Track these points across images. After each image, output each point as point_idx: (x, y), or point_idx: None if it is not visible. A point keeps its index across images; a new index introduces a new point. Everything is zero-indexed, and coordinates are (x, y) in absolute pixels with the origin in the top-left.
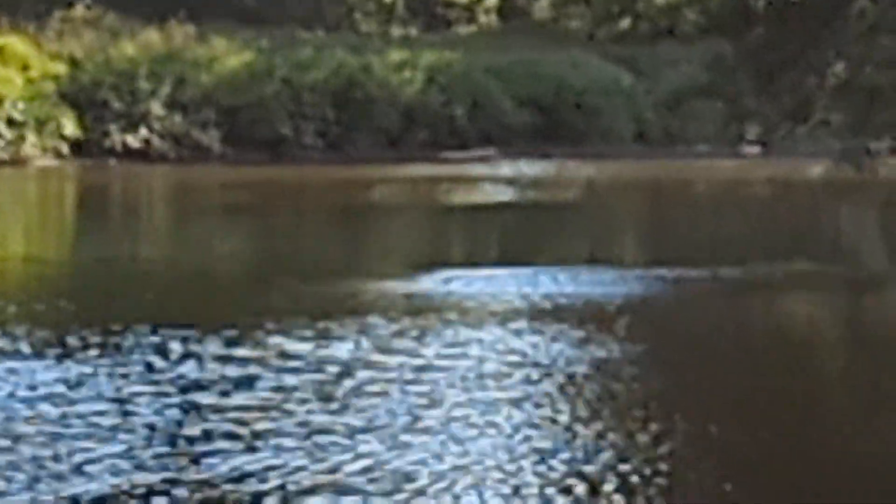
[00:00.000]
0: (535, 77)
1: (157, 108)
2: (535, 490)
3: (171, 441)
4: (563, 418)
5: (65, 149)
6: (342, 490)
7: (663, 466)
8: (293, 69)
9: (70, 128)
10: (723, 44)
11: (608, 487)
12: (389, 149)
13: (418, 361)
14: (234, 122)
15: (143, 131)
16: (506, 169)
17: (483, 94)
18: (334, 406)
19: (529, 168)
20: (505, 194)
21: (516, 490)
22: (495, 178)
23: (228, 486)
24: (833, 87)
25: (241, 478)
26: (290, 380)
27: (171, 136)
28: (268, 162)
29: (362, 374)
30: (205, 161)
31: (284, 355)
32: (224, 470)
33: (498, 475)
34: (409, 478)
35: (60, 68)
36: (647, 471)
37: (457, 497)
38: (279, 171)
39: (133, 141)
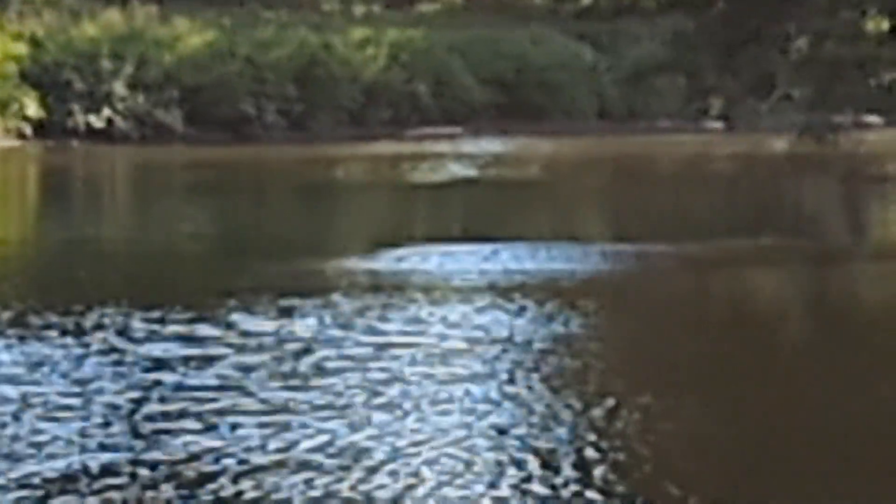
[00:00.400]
0: (497, 54)
1: (119, 88)
2: (493, 466)
3: (132, 420)
4: (524, 394)
5: (27, 130)
6: (299, 467)
7: (622, 442)
8: (255, 48)
9: (32, 108)
10: (685, 20)
11: (566, 463)
12: (352, 127)
13: (380, 339)
14: (196, 102)
15: (106, 112)
16: (468, 146)
17: (446, 72)
18: (295, 384)
19: (492, 145)
20: (468, 171)
21: (474, 466)
22: (458, 156)
23: (188, 465)
24: (795, 62)
25: (200, 456)
26: (250, 358)
27: (133, 117)
28: (230, 141)
29: (323, 352)
30: (168, 141)
31: (246, 334)
32: (184, 449)
33: (457, 451)
34: (367, 454)
35: (22, 49)
36: (606, 446)
37: (415, 473)
38: (242, 150)
39: (96, 121)
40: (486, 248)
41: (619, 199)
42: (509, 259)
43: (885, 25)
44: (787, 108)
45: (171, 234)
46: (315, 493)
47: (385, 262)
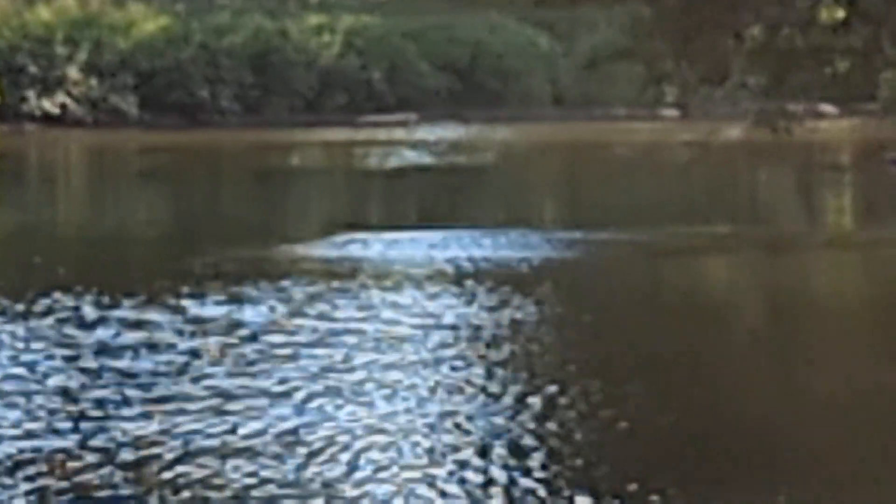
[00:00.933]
0: (452, 41)
1: (74, 73)
2: (432, 452)
3: (78, 405)
4: (470, 380)
5: None
6: (238, 452)
7: (563, 429)
8: (210, 34)
9: None
10: (641, 6)
11: (505, 449)
12: (307, 113)
13: (331, 325)
14: (151, 87)
15: (61, 96)
16: (423, 133)
17: (401, 58)
18: (243, 370)
19: (447, 132)
20: (422, 158)
21: (414, 451)
22: (413, 142)
23: (130, 449)
24: (750, 50)
25: (143, 441)
26: (200, 344)
27: (88, 101)
28: (185, 126)
29: (272, 338)
30: (122, 126)
31: (197, 320)
32: (126, 433)
33: (397, 437)
34: (307, 440)
35: None
36: (545, 432)
37: (353, 459)
38: (196, 135)
39: (50, 106)
40: (439, 234)
41: (573, 186)
42: (462, 246)
43: (840, 14)
44: (742, 96)
45: (125, 219)
46: (252, 479)
47: (337, 248)
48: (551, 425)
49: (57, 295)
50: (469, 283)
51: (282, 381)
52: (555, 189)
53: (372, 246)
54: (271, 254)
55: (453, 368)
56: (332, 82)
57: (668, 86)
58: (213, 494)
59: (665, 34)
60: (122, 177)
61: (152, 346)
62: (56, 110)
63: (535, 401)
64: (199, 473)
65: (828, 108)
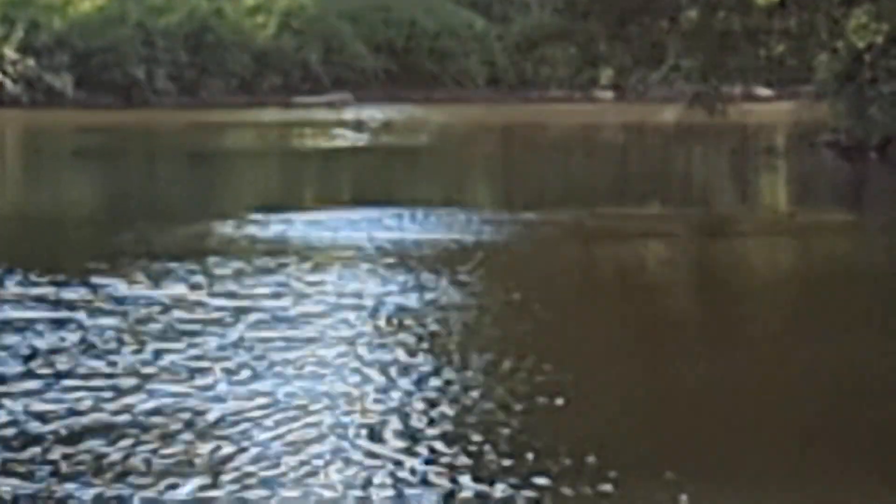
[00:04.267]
0: (388, 21)
1: (9, 52)
2: (327, 432)
3: None
4: (379, 358)
5: None
6: (129, 430)
7: (464, 411)
8: (146, 13)
9: None
10: None
11: (400, 430)
12: (242, 93)
13: (244, 303)
14: (87, 67)
15: None
16: (358, 113)
17: (336, 39)
18: (146, 347)
19: (382, 112)
20: (357, 139)
21: (311, 431)
22: (348, 123)
23: (14, 428)
24: (685, 32)
25: (30, 419)
26: (109, 321)
27: (24, 81)
28: (121, 106)
29: (183, 315)
30: (58, 105)
31: (112, 298)
32: (11, 413)
33: (296, 416)
34: (202, 418)
35: None
36: (439, 415)
37: (247, 437)
38: (132, 114)
39: None
40: (373, 214)
41: (507, 167)
42: (389, 226)
43: None
44: (677, 79)
45: (55, 198)
46: (140, 457)
47: (265, 227)
48: (453, 406)
49: None
50: (392, 263)
51: (185, 359)
52: (488, 170)
53: (299, 226)
54: (198, 233)
55: (357, 346)
56: (267, 63)
57: (603, 68)
58: (101, 472)
59: (600, 16)
60: (56, 156)
61: (61, 323)
62: None
63: (443, 381)
64: (86, 453)
65: (763, 90)
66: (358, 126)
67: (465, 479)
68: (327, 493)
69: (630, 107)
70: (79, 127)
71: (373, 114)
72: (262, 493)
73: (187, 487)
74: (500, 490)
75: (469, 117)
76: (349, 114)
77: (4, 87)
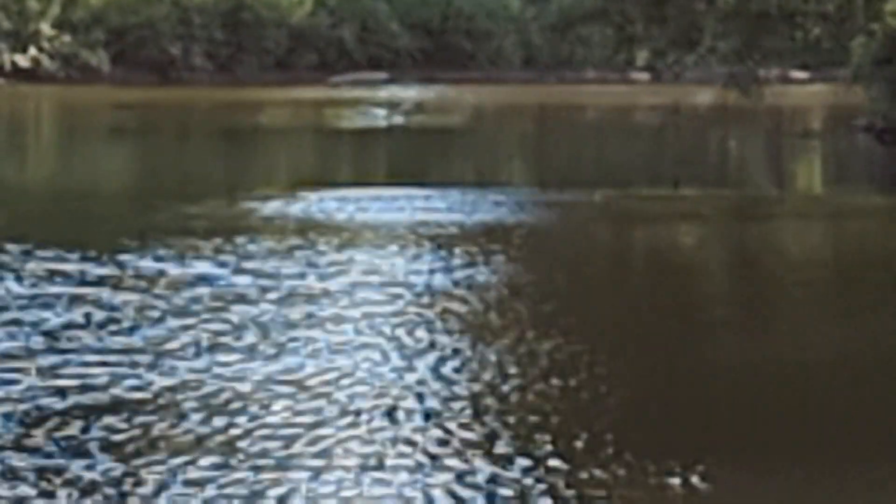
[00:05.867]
0: (424, 1)
1: (46, 28)
2: (337, 411)
3: None
4: (404, 336)
5: None
6: (143, 406)
7: (501, 391)
8: None
9: None
10: None
11: (416, 411)
12: (278, 71)
13: (269, 281)
14: (123, 43)
15: (32, 51)
16: (393, 92)
17: (372, 18)
18: (166, 324)
19: (417, 92)
20: (391, 118)
21: (323, 411)
22: (382, 102)
23: (35, 403)
24: (722, 14)
25: (52, 394)
26: (132, 297)
27: (60, 57)
28: (156, 83)
29: (206, 292)
30: (94, 81)
31: (138, 274)
32: (35, 386)
33: (315, 393)
34: (218, 395)
35: None
36: (469, 392)
37: (253, 418)
38: (167, 92)
39: (22, 60)
40: (402, 193)
41: (541, 147)
42: (422, 205)
43: None
44: (713, 61)
45: (90, 174)
46: (153, 434)
47: (296, 205)
48: (492, 386)
49: (5, 246)
50: (422, 242)
51: (204, 336)
52: (522, 150)
53: (330, 204)
54: (229, 210)
55: (379, 325)
56: (303, 41)
57: (639, 49)
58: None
59: None
60: (91, 132)
61: (83, 299)
62: (28, 65)
63: (451, 359)
64: (84, 431)
65: (799, 73)
66: (392, 105)
67: (479, 461)
68: (341, 473)
69: (665, 88)
70: (114, 103)
71: (408, 93)
72: (275, 470)
73: (199, 464)
74: (513, 472)
75: (504, 98)
76: (384, 93)
77: (41, 63)
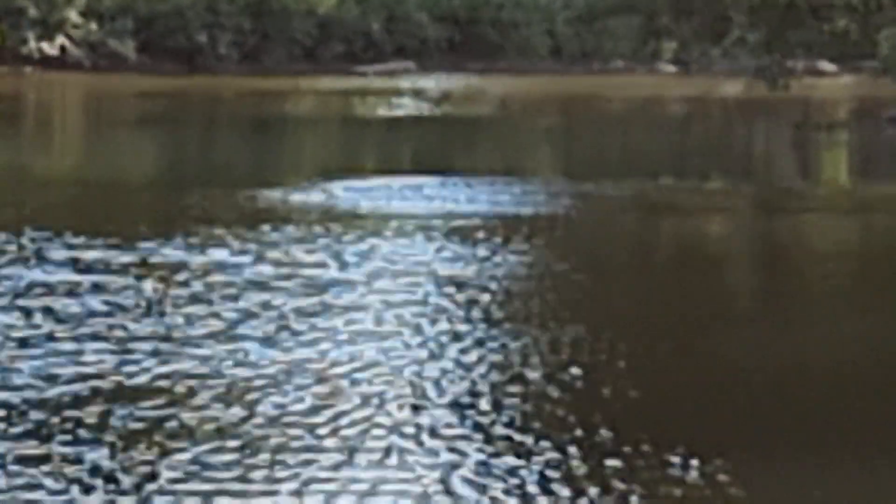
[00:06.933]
0: None
1: (73, 16)
2: (366, 398)
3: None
4: (420, 327)
5: None
6: (153, 394)
7: (533, 381)
8: None
9: None
10: None
11: (422, 398)
12: (305, 61)
13: (289, 269)
14: (150, 32)
15: (60, 39)
16: (420, 83)
17: (399, 8)
18: (182, 312)
19: (444, 82)
20: (418, 108)
21: (341, 397)
22: (409, 92)
23: (43, 391)
24: (749, 6)
25: (62, 382)
26: (150, 285)
27: (87, 45)
28: (183, 72)
29: (224, 280)
30: (120, 70)
31: (158, 263)
32: (45, 374)
33: (328, 383)
34: (229, 383)
35: None
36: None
37: (279, 405)
38: (194, 80)
39: (49, 48)
40: (428, 182)
41: (568, 138)
42: (449, 195)
43: None
44: (741, 52)
45: (116, 162)
46: (160, 421)
47: (321, 195)
48: (522, 375)
49: (31, 234)
50: (447, 232)
51: (219, 324)
52: (549, 141)
53: (356, 194)
54: (254, 199)
55: (397, 315)
56: (330, 31)
57: (666, 40)
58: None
59: None
60: (118, 120)
61: (101, 287)
62: (55, 53)
63: (465, 350)
64: (104, 415)
65: (827, 65)
66: (419, 95)
67: (501, 452)
68: (360, 463)
69: (693, 80)
70: (141, 92)
71: (435, 83)
72: (294, 460)
73: (216, 454)
74: (505, 462)
75: (531, 88)
76: (411, 83)
77: (67, 50)
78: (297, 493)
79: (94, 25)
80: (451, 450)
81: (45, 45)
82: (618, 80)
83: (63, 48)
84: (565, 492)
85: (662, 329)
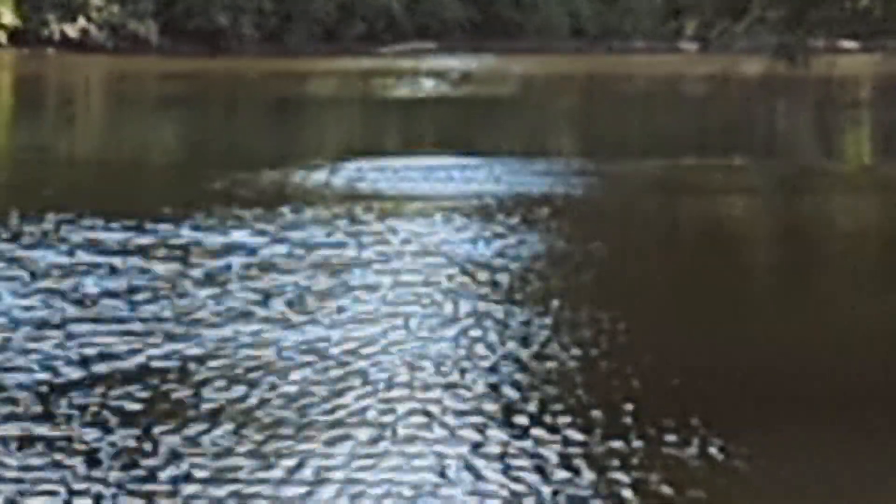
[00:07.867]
0: None
1: None
2: (378, 379)
3: (10, 325)
4: (435, 307)
5: (3, 38)
6: (168, 375)
7: (558, 362)
8: None
9: (8, 17)
10: None
11: (439, 378)
12: (326, 41)
13: (308, 250)
14: (171, 14)
15: (81, 21)
16: (441, 63)
17: None
18: (199, 293)
19: (465, 62)
20: (440, 88)
21: (355, 378)
22: (431, 72)
23: (59, 372)
24: None
25: (77, 363)
26: (169, 266)
27: (108, 27)
28: (205, 53)
29: (242, 261)
30: (142, 52)
31: (177, 244)
32: (61, 356)
33: (343, 363)
34: (243, 363)
35: None
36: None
37: (294, 386)
38: (216, 62)
39: (71, 31)
40: (451, 163)
41: (589, 117)
42: (472, 175)
43: None
44: (762, 30)
45: (138, 144)
46: (174, 403)
47: (343, 175)
48: (544, 357)
49: (50, 216)
50: (468, 212)
51: (236, 304)
52: (570, 120)
53: (378, 174)
54: (275, 180)
55: (414, 295)
56: (352, 11)
57: (687, 19)
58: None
59: None
60: (139, 102)
61: (119, 268)
62: (76, 35)
63: (479, 329)
64: (119, 397)
65: (848, 43)
66: (440, 75)
67: (495, 432)
68: (354, 442)
69: (714, 58)
70: (162, 74)
71: (456, 63)
72: (289, 439)
73: (213, 433)
74: (528, 442)
75: (552, 68)
76: (432, 63)
77: (89, 33)
78: (322, 474)
79: (115, 8)
80: (474, 428)
81: (66, 28)
82: (639, 58)
83: (85, 30)
84: (587, 471)
85: (684, 308)
